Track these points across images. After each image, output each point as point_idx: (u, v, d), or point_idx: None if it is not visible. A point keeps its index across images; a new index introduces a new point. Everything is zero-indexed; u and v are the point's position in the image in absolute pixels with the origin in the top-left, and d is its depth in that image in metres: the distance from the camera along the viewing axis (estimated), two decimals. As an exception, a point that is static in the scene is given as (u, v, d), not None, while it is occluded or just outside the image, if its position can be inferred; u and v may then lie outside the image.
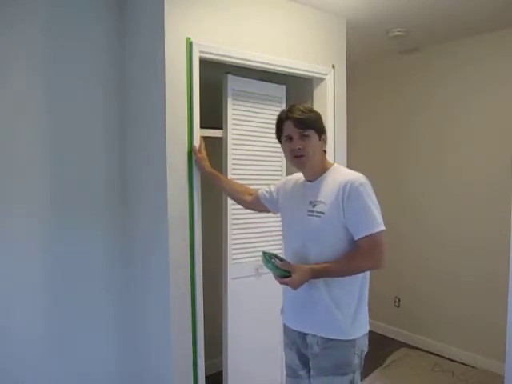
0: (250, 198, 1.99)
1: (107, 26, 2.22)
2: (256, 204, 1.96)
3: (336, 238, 1.54)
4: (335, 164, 1.69)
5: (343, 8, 2.50)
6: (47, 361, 2.12)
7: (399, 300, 3.56)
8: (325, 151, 1.67)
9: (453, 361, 3.17)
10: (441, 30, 2.92)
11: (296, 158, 1.62)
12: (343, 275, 1.53)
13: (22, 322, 2.04)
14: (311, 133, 1.60)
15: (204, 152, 2.08)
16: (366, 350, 1.60)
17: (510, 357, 1.95)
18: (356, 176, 1.56)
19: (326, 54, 2.56)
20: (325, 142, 1.66)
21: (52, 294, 2.12)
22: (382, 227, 1.51)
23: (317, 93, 2.59)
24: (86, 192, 2.20)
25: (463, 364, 3.12)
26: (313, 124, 1.61)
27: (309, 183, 1.67)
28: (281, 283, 1.55)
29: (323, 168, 1.64)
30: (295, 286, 1.53)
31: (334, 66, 2.59)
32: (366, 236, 1.49)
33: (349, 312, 1.54)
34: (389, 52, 3.49)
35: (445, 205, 3.27)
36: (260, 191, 1.93)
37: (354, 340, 1.53)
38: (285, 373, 2.55)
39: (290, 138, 1.61)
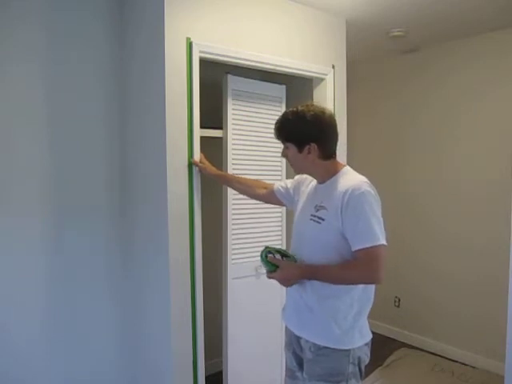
0: (263, 192, 1.96)
1: (107, 26, 2.22)
2: (270, 198, 1.93)
3: (332, 247, 1.47)
4: (346, 167, 1.58)
5: (343, 8, 2.50)
6: (47, 361, 2.12)
7: (399, 300, 3.56)
8: (329, 157, 1.55)
9: (453, 361, 3.17)
10: (441, 30, 2.92)
11: None
12: (334, 282, 1.47)
13: (21, 321, 2.04)
14: (289, 145, 1.55)
15: (205, 160, 2.09)
16: (366, 359, 1.54)
17: (510, 357, 1.94)
18: (359, 183, 1.46)
19: (326, 54, 2.56)
20: (310, 152, 1.51)
21: (52, 293, 2.12)
22: (381, 242, 1.40)
23: (317, 93, 2.59)
24: (86, 191, 2.20)
25: (463, 364, 3.12)
26: (287, 136, 1.55)
27: (319, 185, 1.60)
28: (268, 277, 1.56)
29: (327, 173, 1.55)
30: (282, 281, 1.55)
31: (333, 66, 2.59)
32: (361, 249, 1.40)
33: (344, 322, 1.48)
34: (389, 52, 3.49)
35: (445, 204, 3.26)
36: (276, 186, 1.89)
37: (348, 350, 1.48)
38: (284, 373, 2.57)
39: None
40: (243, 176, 2.17)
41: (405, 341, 3.51)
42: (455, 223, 3.20)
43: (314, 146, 1.51)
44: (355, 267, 1.43)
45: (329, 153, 1.55)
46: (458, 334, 3.21)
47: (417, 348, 3.40)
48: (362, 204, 1.41)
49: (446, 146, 3.25)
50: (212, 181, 2.26)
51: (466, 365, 3.11)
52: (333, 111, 2.57)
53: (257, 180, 2.11)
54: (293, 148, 1.54)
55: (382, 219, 1.45)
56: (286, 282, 1.55)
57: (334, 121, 1.57)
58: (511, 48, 2.86)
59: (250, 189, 2.02)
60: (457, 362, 3.16)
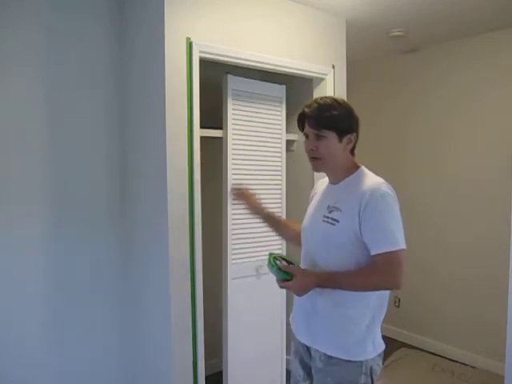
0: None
1: (107, 26, 2.22)
2: None
3: (346, 250, 1.40)
4: (362, 167, 1.51)
5: (343, 8, 2.50)
6: (47, 361, 2.12)
7: (399, 300, 3.56)
8: (352, 152, 1.50)
9: (453, 361, 3.17)
10: (441, 30, 2.92)
11: (311, 160, 1.49)
12: (351, 289, 1.39)
13: (22, 322, 2.04)
14: (328, 134, 1.44)
15: (254, 197, 1.81)
16: (378, 370, 1.46)
17: (510, 357, 1.94)
18: (378, 185, 1.40)
19: (326, 53, 2.56)
20: (350, 142, 1.47)
21: (52, 293, 2.12)
22: (401, 246, 1.36)
23: (317, 93, 2.59)
24: (86, 192, 2.20)
25: (463, 364, 3.12)
26: (331, 123, 1.44)
27: (332, 186, 1.54)
28: (280, 287, 1.47)
29: (347, 171, 1.49)
30: (297, 291, 1.44)
31: (333, 66, 2.59)
32: (381, 253, 1.34)
33: (357, 332, 1.41)
34: (389, 52, 3.49)
35: (444, 205, 3.26)
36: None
37: (361, 361, 1.40)
38: (284, 374, 2.57)
39: (307, 136, 1.49)
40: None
41: (405, 341, 3.50)
42: (455, 223, 3.20)
43: (354, 136, 1.48)
44: (375, 273, 1.37)
45: (355, 147, 1.52)
46: (457, 334, 3.21)
47: (417, 348, 3.40)
48: (382, 206, 1.37)
49: (446, 146, 3.25)
50: (212, 181, 2.26)
51: (466, 365, 3.10)
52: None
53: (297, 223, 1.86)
54: (333, 137, 1.44)
55: (401, 222, 1.41)
56: (301, 291, 1.44)
57: None
58: (511, 48, 2.86)
59: (294, 234, 1.74)
60: (457, 362, 3.16)
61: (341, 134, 1.45)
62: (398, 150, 3.59)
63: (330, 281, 1.40)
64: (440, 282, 3.30)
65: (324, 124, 1.44)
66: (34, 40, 2.02)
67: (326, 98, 1.51)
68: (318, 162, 1.49)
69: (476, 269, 3.07)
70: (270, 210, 1.84)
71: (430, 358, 3.23)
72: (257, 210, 1.80)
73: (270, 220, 1.81)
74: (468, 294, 3.13)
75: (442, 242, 3.28)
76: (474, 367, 3.06)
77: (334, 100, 1.50)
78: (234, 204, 2.30)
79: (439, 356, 3.26)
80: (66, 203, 2.14)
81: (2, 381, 1.99)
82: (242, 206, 1.84)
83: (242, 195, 1.82)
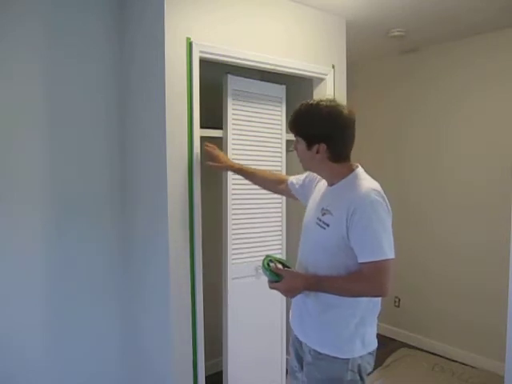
0: (281, 186, 1.89)
1: (107, 26, 2.22)
2: (287, 191, 1.85)
3: (336, 254, 1.41)
4: (356, 170, 1.47)
5: (343, 8, 2.50)
6: (47, 362, 2.12)
7: (399, 300, 3.56)
8: (341, 159, 1.46)
9: (453, 361, 3.17)
10: (440, 30, 2.92)
11: None
12: (338, 294, 1.41)
13: (22, 321, 2.04)
14: (299, 139, 1.47)
15: (221, 154, 2.11)
16: (368, 368, 1.48)
17: (510, 357, 1.95)
18: (368, 191, 1.37)
19: (326, 53, 2.56)
20: (318, 152, 1.42)
21: (52, 293, 2.12)
22: (389, 255, 1.33)
23: (317, 93, 2.59)
24: (86, 191, 2.20)
25: (463, 364, 3.12)
26: (299, 130, 1.47)
27: (328, 187, 1.53)
28: (270, 288, 1.49)
29: (339, 175, 1.46)
30: (284, 292, 1.48)
31: (334, 66, 2.59)
32: (367, 262, 1.34)
33: (346, 331, 1.43)
34: (389, 52, 3.49)
35: (445, 207, 3.26)
36: (290, 179, 1.82)
37: (347, 358, 1.43)
38: (284, 373, 2.57)
39: None
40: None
41: (405, 341, 3.51)
42: (455, 225, 3.19)
43: (323, 146, 1.41)
44: (361, 280, 1.38)
45: (340, 156, 1.45)
46: (457, 334, 3.21)
47: (417, 348, 3.40)
48: (370, 214, 1.34)
49: (446, 146, 3.25)
50: (212, 181, 2.25)
51: (465, 365, 3.11)
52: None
53: (275, 173, 2.13)
54: (302, 144, 1.46)
55: (391, 230, 1.38)
56: (289, 293, 1.49)
57: (352, 121, 1.45)
58: (510, 48, 2.86)
59: (268, 183, 1.98)
60: (457, 361, 3.16)
61: (309, 142, 1.44)
62: (397, 151, 3.59)
63: (317, 285, 1.43)
64: (440, 281, 3.30)
65: (294, 129, 1.50)
66: (33, 40, 2.02)
67: (313, 102, 1.46)
68: (300, 163, 1.56)
69: (476, 269, 3.07)
70: (239, 164, 2.08)
71: (430, 358, 3.23)
72: (229, 166, 2.06)
73: (243, 173, 2.03)
74: (468, 294, 3.13)
75: (442, 242, 3.28)
76: (473, 367, 3.07)
77: (318, 105, 1.44)
78: (234, 204, 2.30)
79: (439, 356, 3.26)
80: (66, 204, 2.14)
81: (2, 379, 2.00)
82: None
83: (219, 156, 2.07)
